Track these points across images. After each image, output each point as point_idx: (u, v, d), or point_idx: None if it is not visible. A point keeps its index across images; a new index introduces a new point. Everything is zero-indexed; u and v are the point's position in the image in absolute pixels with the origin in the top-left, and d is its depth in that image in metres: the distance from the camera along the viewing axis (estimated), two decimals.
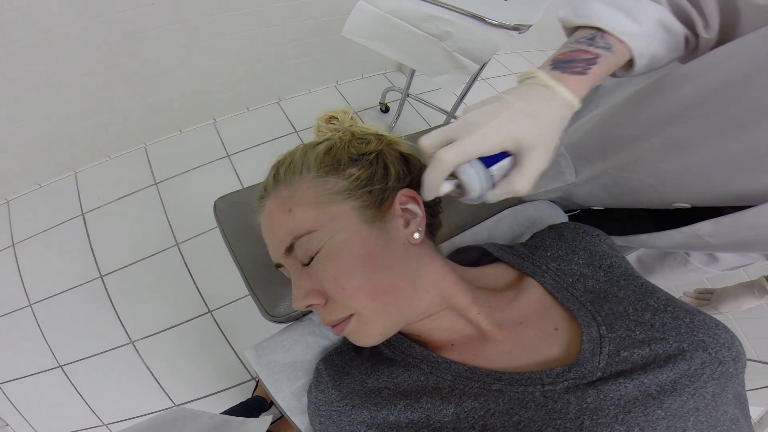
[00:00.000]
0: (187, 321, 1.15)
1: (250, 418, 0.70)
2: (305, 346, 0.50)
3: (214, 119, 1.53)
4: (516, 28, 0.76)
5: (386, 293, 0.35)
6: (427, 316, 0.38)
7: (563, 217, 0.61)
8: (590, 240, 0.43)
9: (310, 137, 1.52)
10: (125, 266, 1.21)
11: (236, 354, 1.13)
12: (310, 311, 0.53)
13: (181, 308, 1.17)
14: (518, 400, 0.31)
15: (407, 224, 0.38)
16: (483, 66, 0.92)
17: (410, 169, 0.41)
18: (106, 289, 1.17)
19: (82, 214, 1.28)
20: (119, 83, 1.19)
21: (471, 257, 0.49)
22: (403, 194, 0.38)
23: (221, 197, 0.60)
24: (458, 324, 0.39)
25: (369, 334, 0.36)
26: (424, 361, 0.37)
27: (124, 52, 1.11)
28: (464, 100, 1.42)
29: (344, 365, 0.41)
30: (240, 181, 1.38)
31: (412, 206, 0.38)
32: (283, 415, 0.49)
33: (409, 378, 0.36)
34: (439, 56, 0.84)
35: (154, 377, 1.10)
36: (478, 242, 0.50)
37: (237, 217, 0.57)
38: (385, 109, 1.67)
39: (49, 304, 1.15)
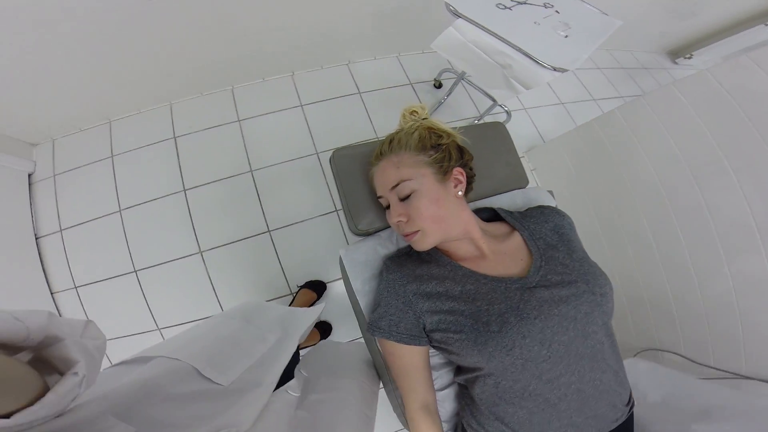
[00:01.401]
0: (247, 238, 1.42)
1: (309, 308, 0.86)
2: (374, 252, 0.81)
3: (293, 72, 1.74)
4: (560, 70, 1.02)
5: (441, 221, 0.66)
6: (456, 240, 0.69)
7: (552, 202, 0.90)
8: (558, 219, 0.74)
9: (370, 99, 1.73)
10: (205, 184, 1.47)
11: (282, 270, 1.40)
12: (379, 231, 0.84)
13: (246, 226, 1.44)
14: (493, 288, 0.62)
15: (455, 186, 0.69)
16: None
17: (462, 154, 0.72)
18: (186, 201, 1.44)
19: (174, 137, 1.54)
20: (215, 32, 1.37)
21: (488, 214, 0.81)
22: (457, 170, 0.70)
23: (338, 149, 0.86)
24: (471, 248, 0.70)
25: (425, 243, 0.67)
26: (448, 265, 0.68)
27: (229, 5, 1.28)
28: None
29: (401, 261, 0.73)
30: (309, 130, 1.62)
31: (461, 177, 0.69)
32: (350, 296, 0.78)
33: (439, 272, 0.67)
34: (499, 79, 1.12)
35: (212, 285, 1.36)
36: (494, 206, 0.81)
37: (348, 162, 0.85)
38: (439, 86, 1.85)
39: (137, 211, 1.42)
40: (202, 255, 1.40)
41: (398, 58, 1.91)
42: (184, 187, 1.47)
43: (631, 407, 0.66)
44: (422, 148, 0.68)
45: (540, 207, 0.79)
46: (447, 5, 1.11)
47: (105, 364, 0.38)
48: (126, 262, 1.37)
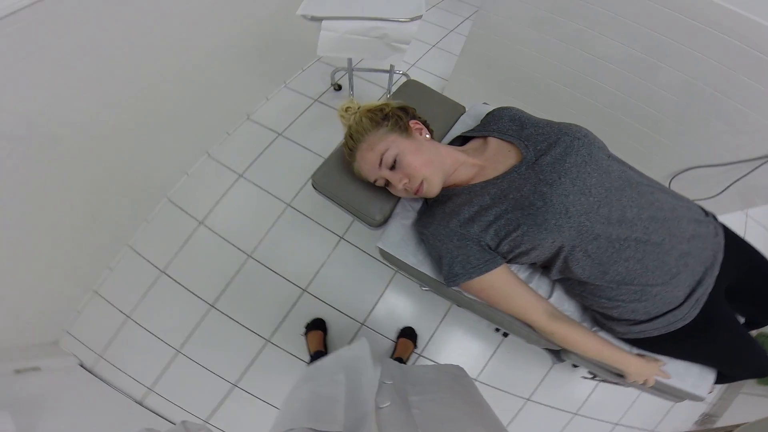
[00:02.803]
0: (293, 307, 1.47)
1: (353, 345, 0.84)
2: (403, 227, 0.92)
3: (208, 153, 1.76)
4: (416, 18, 1.23)
5: (431, 162, 0.78)
6: (454, 171, 0.82)
7: (491, 108, 1.07)
8: (507, 111, 0.90)
9: (293, 133, 1.81)
10: (222, 291, 1.49)
11: (342, 312, 1.46)
12: (394, 211, 0.94)
13: (284, 298, 1.48)
14: (510, 180, 0.75)
15: (421, 133, 0.82)
16: None
17: (407, 111, 0.85)
18: (220, 312, 1.46)
19: (162, 272, 1.52)
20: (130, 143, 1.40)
21: (459, 141, 0.95)
22: (412, 123, 0.82)
23: (314, 174, 0.96)
24: (468, 169, 0.82)
25: (433, 186, 0.78)
26: (463, 191, 0.80)
27: None
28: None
29: (429, 213, 0.83)
30: (265, 190, 1.66)
31: (419, 125, 0.83)
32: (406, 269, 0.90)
33: (461, 199, 0.78)
34: (383, 48, 1.29)
35: (297, 358, 1.43)
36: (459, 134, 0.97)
37: (327, 177, 0.95)
38: (338, 88, 1.97)
39: (193, 341, 1.43)
40: (270, 341, 1.43)
41: (287, 86, 1.99)
42: (211, 304, 1.47)
43: (717, 220, 0.79)
44: (377, 124, 0.79)
45: (488, 114, 0.95)
46: (304, 17, 1.23)
47: None
48: (221, 383, 1.38)
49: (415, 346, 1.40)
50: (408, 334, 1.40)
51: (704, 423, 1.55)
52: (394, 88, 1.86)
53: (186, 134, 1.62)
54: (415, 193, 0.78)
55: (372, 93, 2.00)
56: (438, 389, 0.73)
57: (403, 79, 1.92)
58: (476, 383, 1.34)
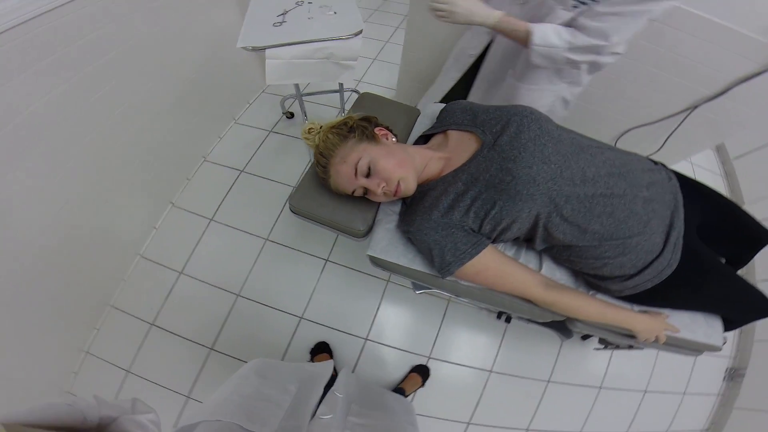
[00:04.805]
0: (293, 335, 1.42)
1: (318, 363, 0.89)
2: (388, 231, 0.94)
3: (172, 203, 1.70)
4: (358, 33, 1.27)
5: (404, 163, 0.82)
6: (424, 168, 0.86)
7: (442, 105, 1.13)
8: (458, 105, 0.98)
9: (256, 167, 1.80)
10: (217, 335, 1.41)
11: (345, 332, 1.45)
12: (374, 222, 0.97)
13: (280, 331, 1.43)
14: (476, 164, 0.79)
15: (387, 138, 0.86)
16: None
17: (369, 120, 0.89)
18: (220, 354, 1.39)
19: (152, 325, 1.44)
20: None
21: (422, 140, 1.00)
22: (377, 130, 0.87)
23: (291, 195, 0.98)
24: (436, 163, 0.87)
25: (410, 184, 0.82)
26: (436, 184, 0.83)
27: None
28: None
29: (409, 212, 0.87)
30: (238, 229, 1.63)
31: (384, 131, 0.88)
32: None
33: (436, 192, 0.82)
34: (332, 68, 1.32)
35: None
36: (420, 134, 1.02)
37: (304, 198, 0.97)
38: (291, 116, 1.98)
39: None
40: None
41: (237, 122, 1.98)
42: (209, 348, 1.41)
43: (666, 167, 0.87)
44: (344, 138, 0.83)
45: (441, 110, 1.02)
46: (245, 48, 1.23)
47: None
48: None
49: (423, 384, 1.37)
50: (420, 370, 1.38)
51: (733, 378, 1.57)
52: (348, 106, 1.90)
53: (144, 188, 1.56)
54: (395, 195, 0.82)
55: (326, 114, 2.03)
56: (381, 417, 0.73)
57: (355, 96, 1.98)
58: (492, 374, 1.41)
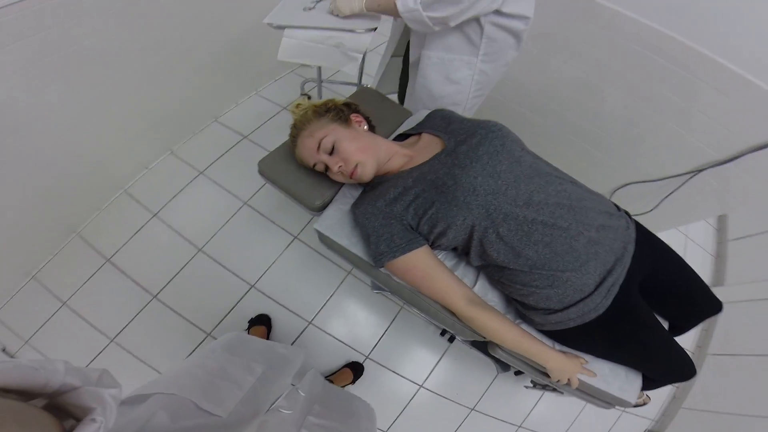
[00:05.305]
0: (237, 303, 1.45)
1: (291, 346, 0.93)
2: (340, 211, 0.96)
3: (171, 150, 1.78)
4: (371, 29, 1.30)
5: (366, 149, 0.85)
6: (388, 160, 0.89)
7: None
8: (440, 112, 1.00)
9: (259, 137, 1.86)
10: (167, 283, 1.46)
11: (290, 311, 1.46)
12: (332, 200, 0.99)
13: (229, 293, 1.46)
14: (430, 165, 0.82)
15: (360, 125, 0.90)
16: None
17: (349, 105, 0.94)
18: (166, 305, 1.42)
19: (108, 261, 1.49)
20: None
21: (399, 139, 1.03)
22: (353, 116, 0.91)
23: (262, 159, 1.03)
24: (400, 159, 0.90)
25: (366, 171, 0.85)
26: (393, 177, 0.87)
27: None
28: (364, 72, 1.88)
29: (362, 196, 0.90)
30: (223, 188, 1.68)
31: (359, 118, 0.92)
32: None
33: (390, 184, 0.85)
34: (339, 57, 1.37)
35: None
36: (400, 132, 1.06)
37: (272, 163, 1.02)
38: (308, 99, 2.05)
39: (120, 345, 1.38)
40: (210, 335, 1.39)
41: (258, 94, 2.06)
42: (153, 295, 1.44)
43: (630, 216, 0.86)
44: (319, 116, 0.88)
45: (427, 115, 1.04)
46: (270, 25, 1.31)
47: None
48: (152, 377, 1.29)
49: (354, 382, 1.36)
50: (355, 367, 1.37)
51: None
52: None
53: (151, 129, 1.63)
54: (350, 176, 0.85)
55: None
56: (341, 420, 0.72)
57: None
58: (422, 390, 1.40)
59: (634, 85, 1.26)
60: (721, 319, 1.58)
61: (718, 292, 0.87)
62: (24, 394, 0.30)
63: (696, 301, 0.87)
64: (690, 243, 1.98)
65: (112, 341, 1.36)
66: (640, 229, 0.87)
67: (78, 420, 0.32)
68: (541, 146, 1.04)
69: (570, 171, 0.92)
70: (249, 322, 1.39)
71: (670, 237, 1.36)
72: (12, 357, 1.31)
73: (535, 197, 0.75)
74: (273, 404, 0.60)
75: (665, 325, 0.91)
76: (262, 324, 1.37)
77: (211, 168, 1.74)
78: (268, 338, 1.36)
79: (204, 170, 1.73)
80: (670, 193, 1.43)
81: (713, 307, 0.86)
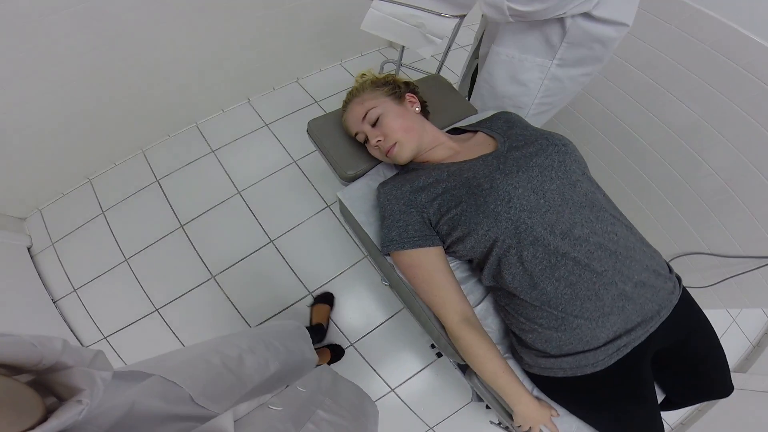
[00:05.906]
0: (252, 253, 1.49)
1: (318, 366, 0.88)
2: (368, 186, 0.93)
3: (248, 98, 1.89)
4: (459, 17, 1.23)
5: (410, 129, 0.80)
6: (429, 149, 0.83)
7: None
8: (506, 115, 0.89)
9: (328, 106, 1.89)
10: (199, 215, 1.55)
11: (296, 276, 1.46)
12: (367, 172, 0.96)
13: (249, 242, 1.51)
14: (474, 164, 0.74)
15: (412, 105, 0.85)
16: (453, 40, 1.40)
17: (408, 84, 0.92)
18: (186, 235, 1.52)
19: (157, 181, 1.63)
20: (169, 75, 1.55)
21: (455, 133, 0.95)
22: (409, 95, 0.88)
23: (311, 120, 1.03)
24: (445, 150, 0.83)
25: (404, 152, 0.80)
26: (431, 167, 0.80)
27: None
28: (444, 64, 1.79)
29: (393, 177, 0.86)
30: (281, 143, 1.75)
31: (413, 99, 0.88)
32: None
33: (426, 172, 0.79)
34: (419, 38, 1.32)
35: (234, 306, 1.40)
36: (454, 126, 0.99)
37: (320, 125, 1.02)
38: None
39: (142, 256, 1.47)
40: (215, 279, 1.45)
41: (341, 65, 2.10)
42: (180, 223, 1.55)
43: (680, 281, 0.71)
44: (376, 87, 0.87)
45: (493, 115, 0.94)
46: None
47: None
48: (146, 304, 1.40)
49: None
50: (335, 350, 1.32)
51: None
52: None
53: (236, 77, 1.74)
54: (387, 154, 0.82)
55: None
56: (351, 419, 0.70)
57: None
58: (391, 394, 1.33)
59: (749, 142, 1.02)
60: (721, 402, 1.36)
61: (735, 377, 0.77)
62: (12, 369, 0.29)
63: (709, 380, 0.74)
64: (734, 326, 1.64)
65: (125, 261, 1.49)
66: (684, 296, 0.71)
67: (60, 398, 0.31)
68: (609, 179, 0.88)
69: (632, 218, 0.77)
70: (314, 298, 1.41)
71: (715, 314, 1.19)
72: (31, 257, 1.48)
73: (577, 230, 0.64)
74: (262, 401, 0.59)
75: (661, 396, 0.79)
76: (326, 303, 1.38)
77: (276, 123, 1.82)
78: (329, 318, 1.38)
79: (269, 123, 1.81)
80: (738, 275, 1.21)
81: (724, 390, 0.74)
